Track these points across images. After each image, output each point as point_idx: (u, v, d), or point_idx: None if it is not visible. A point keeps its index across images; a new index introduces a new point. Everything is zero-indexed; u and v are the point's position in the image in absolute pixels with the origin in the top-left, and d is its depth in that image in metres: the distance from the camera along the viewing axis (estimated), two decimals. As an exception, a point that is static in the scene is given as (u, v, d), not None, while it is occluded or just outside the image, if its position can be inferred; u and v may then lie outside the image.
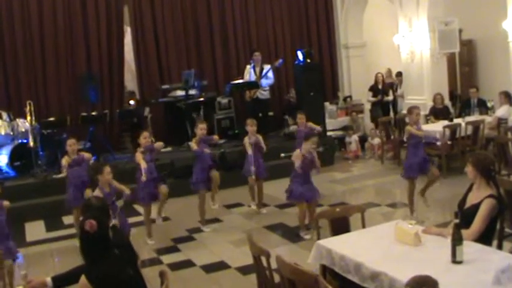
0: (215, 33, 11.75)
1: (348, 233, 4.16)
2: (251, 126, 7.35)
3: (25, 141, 8.77)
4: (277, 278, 3.57)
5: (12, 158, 8.70)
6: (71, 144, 6.64)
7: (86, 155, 6.81)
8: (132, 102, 11.31)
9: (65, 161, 6.62)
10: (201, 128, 6.90)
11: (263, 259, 3.61)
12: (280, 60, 10.60)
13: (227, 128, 10.81)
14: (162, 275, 3.29)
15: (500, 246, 4.26)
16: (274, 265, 3.44)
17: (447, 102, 10.44)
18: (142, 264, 5.53)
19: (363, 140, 11.14)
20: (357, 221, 4.44)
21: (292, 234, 6.45)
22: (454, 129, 8.63)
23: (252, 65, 10.44)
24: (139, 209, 7.37)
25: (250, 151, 7.22)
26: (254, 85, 10.21)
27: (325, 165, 8.23)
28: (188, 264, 5.87)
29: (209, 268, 5.68)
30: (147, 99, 11.10)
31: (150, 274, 4.76)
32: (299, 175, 6.26)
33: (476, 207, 3.78)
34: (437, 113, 9.83)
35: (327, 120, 11.02)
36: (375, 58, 13.38)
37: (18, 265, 5.29)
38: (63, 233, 7.32)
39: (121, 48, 11.09)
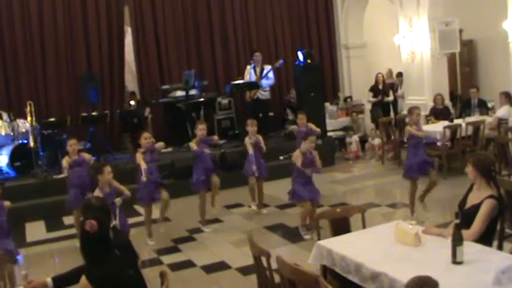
0: (215, 34, 11.76)
1: (348, 234, 4.16)
2: (251, 126, 7.36)
3: (25, 141, 8.77)
4: (277, 279, 3.57)
5: (13, 158, 8.71)
6: (72, 144, 6.64)
7: (87, 156, 6.80)
8: (132, 102, 11.32)
9: (65, 161, 6.62)
10: (200, 129, 6.90)
11: (263, 259, 3.61)
12: (281, 61, 10.60)
13: (227, 128, 10.80)
14: (162, 275, 3.28)
15: (500, 247, 4.27)
16: (274, 265, 3.44)
17: (447, 102, 10.42)
18: (143, 264, 5.53)
19: (363, 140, 11.13)
20: (358, 221, 4.45)
21: (292, 235, 6.45)
22: (454, 129, 8.62)
23: (253, 65, 10.44)
24: (140, 209, 7.37)
25: (251, 151, 7.22)
26: (254, 85, 10.21)
27: (325, 165, 8.22)
28: (188, 264, 5.87)
29: (209, 268, 5.68)
30: (148, 99, 11.11)
31: (150, 274, 4.75)
32: (300, 176, 6.25)
33: (476, 207, 3.78)
34: (438, 113, 9.81)
35: (328, 121, 11.00)
36: (375, 58, 13.36)
37: (18, 265, 5.29)
38: (63, 234, 7.33)
39: (121, 49, 11.10)
